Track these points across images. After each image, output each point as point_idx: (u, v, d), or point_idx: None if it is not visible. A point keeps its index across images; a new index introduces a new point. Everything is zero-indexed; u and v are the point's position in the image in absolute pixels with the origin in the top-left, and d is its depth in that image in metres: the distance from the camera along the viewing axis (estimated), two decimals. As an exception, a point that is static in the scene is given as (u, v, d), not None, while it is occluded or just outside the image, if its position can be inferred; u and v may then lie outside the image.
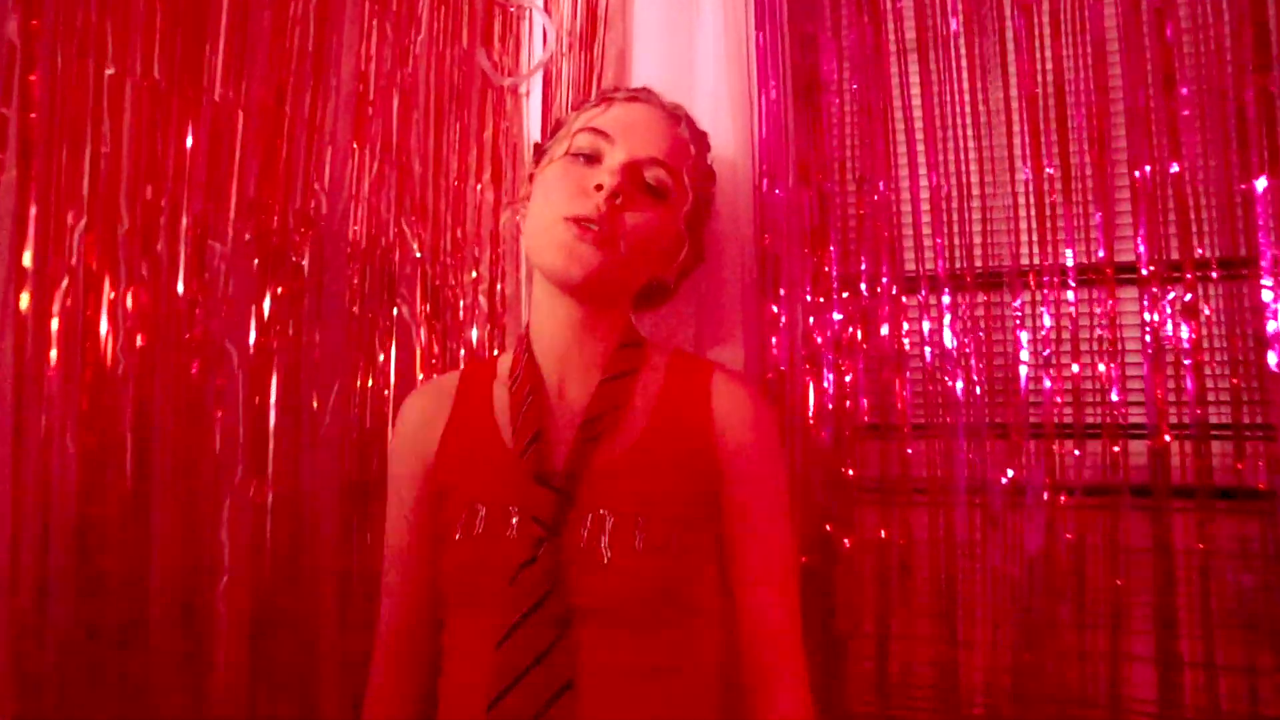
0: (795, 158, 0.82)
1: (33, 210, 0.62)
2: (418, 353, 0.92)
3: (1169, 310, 0.73)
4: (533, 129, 1.03)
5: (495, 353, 0.95)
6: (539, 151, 0.72)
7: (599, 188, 0.59)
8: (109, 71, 0.65)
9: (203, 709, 0.70)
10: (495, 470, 0.61)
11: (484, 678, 0.54)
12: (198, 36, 0.70)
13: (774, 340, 0.81)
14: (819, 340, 0.81)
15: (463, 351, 0.94)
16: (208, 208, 0.72)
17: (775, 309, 0.82)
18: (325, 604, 0.80)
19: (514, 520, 0.58)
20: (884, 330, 0.80)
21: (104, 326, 0.68)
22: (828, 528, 0.78)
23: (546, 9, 1.03)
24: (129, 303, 0.69)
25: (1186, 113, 0.73)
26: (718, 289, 0.78)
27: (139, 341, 0.70)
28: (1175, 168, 0.74)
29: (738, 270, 0.78)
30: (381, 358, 0.90)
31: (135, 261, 0.70)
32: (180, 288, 0.72)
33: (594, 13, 1.00)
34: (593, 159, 0.63)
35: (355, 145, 0.89)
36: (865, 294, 0.81)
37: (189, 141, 0.70)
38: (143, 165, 0.69)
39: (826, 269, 0.82)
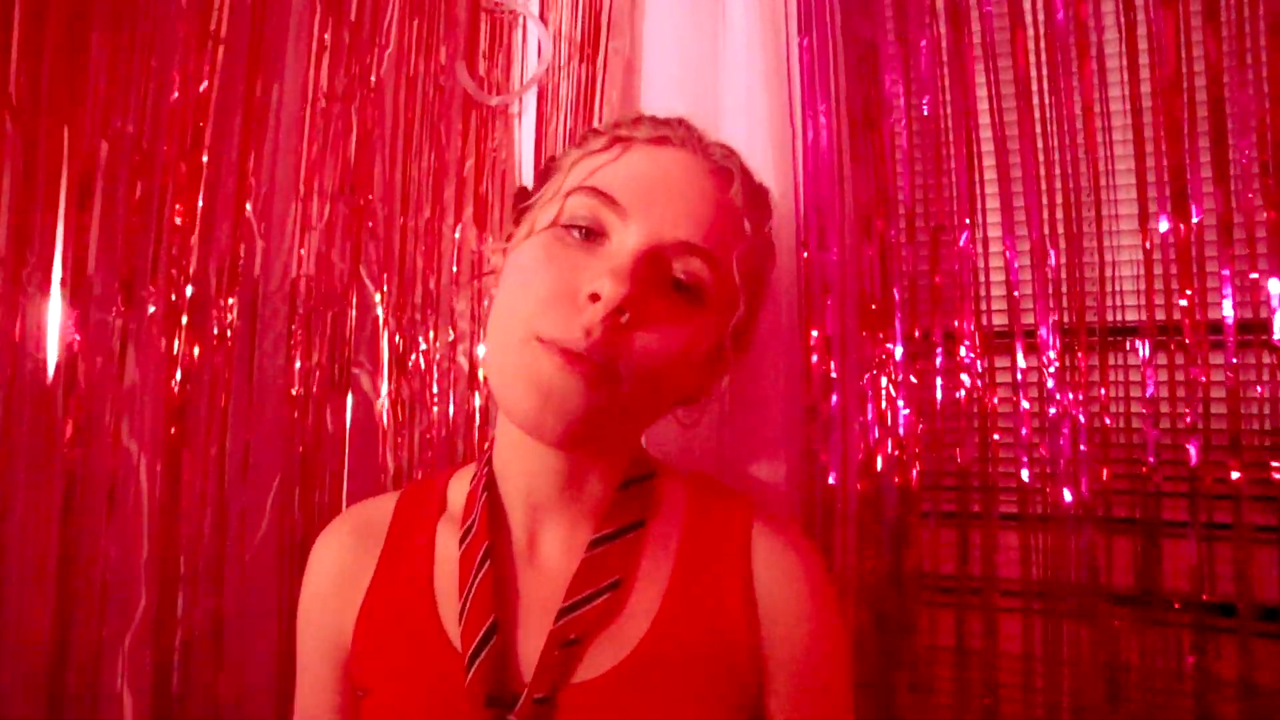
0: (852, 203, 0.63)
1: None
2: (381, 435, 0.75)
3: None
4: (525, 159, 0.85)
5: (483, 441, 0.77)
6: (521, 203, 0.50)
7: (594, 298, 0.39)
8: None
9: None
10: (431, 679, 0.43)
11: None
12: (75, 52, 0.54)
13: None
14: (873, 434, 0.62)
15: (430, 434, 0.77)
16: (90, 270, 0.56)
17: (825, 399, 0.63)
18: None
19: None
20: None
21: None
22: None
23: (542, 15, 0.85)
24: None
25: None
26: (751, 378, 0.59)
27: None
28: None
29: (778, 354, 0.60)
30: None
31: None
32: (51, 372, 0.56)
33: (597, 18, 0.82)
34: (594, 235, 0.43)
35: (302, 183, 0.72)
36: (941, 363, 0.62)
37: (62, 187, 0.54)
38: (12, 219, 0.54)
39: (890, 345, 0.63)
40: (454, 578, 0.45)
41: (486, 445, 0.51)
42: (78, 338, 0.55)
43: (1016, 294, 0.61)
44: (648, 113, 0.49)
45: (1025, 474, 0.60)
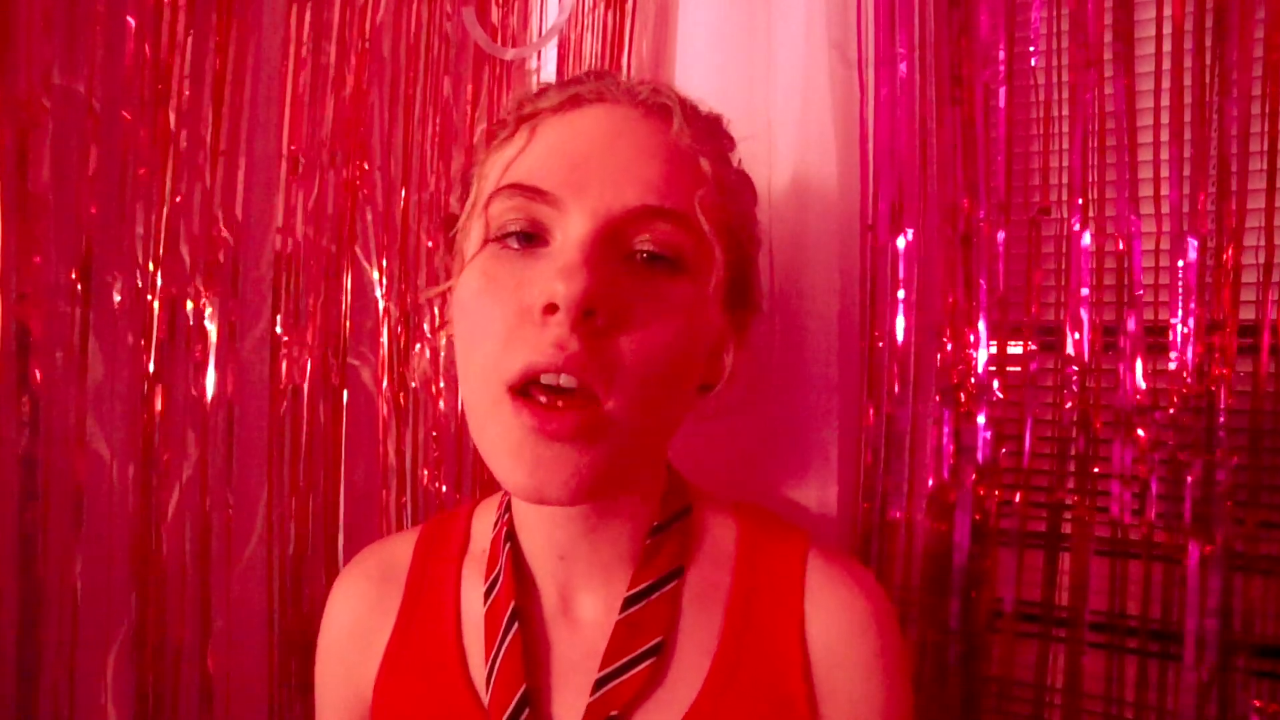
0: (936, 177, 0.51)
1: None
2: (382, 439, 0.68)
3: None
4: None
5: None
6: (451, 231, 0.41)
7: (550, 309, 0.32)
8: None
9: None
10: None
11: None
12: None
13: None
14: (947, 460, 0.52)
15: (434, 433, 0.69)
16: (39, 252, 0.49)
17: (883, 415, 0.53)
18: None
19: None
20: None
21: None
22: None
23: (561, -47, 0.73)
24: None
25: None
26: (797, 389, 0.50)
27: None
28: None
29: (833, 360, 0.50)
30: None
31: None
32: None
33: (627, -48, 0.70)
34: (533, 240, 0.35)
35: (286, 151, 0.63)
36: (1036, 375, 0.51)
37: None
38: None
39: (973, 352, 0.52)
40: (482, 631, 0.39)
41: (506, 494, 0.43)
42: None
43: (1140, 293, 0.49)
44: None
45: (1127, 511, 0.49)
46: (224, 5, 0.57)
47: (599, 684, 0.36)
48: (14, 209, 0.47)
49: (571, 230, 0.34)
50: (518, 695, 0.36)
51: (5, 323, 0.47)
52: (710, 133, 0.40)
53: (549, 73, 0.74)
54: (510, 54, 0.75)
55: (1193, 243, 0.47)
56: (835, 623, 0.38)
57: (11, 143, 0.46)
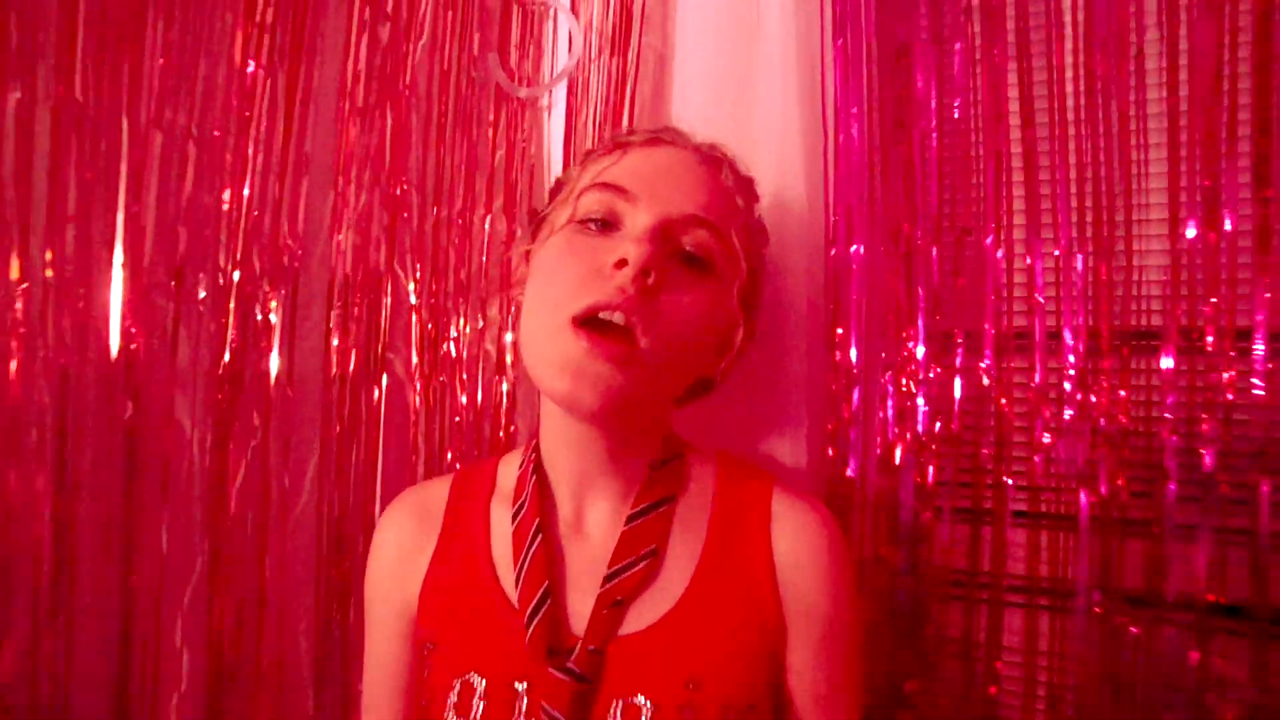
0: (881, 204, 0.64)
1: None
2: (413, 420, 0.78)
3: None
4: (554, 149, 0.87)
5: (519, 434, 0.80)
6: (536, 220, 0.55)
7: (621, 264, 0.44)
8: (14, 95, 0.52)
9: None
10: (494, 632, 0.47)
11: None
12: (131, 48, 0.57)
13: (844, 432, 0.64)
14: (892, 429, 0.64)
15: (457, 419, 0.79)
16: (148, 257, 0.59)
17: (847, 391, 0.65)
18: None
19: (521, 703, 0.45)
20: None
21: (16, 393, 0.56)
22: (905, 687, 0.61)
23: (574, 8, 0.86)
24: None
25: None
26: (776, 371, 0.61)
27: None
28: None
29: (803, 352, 0.61)
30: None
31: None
32: (114, 351, 0.59)
33: (629, 10, 0.83)
34: (609, 225, 0.48)
35: (340, 174, 0.75)
36: (960, 362, 0.63)
37: (122, 178, 0.57)
38: (60, 204, 0.57)
39: (912, 345, 0.64)
40: (509, 548, 0.49)
41: (531, 436, 0.54)
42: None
43: (1040, 298, 0.61)
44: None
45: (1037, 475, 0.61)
46: (294, 54, 0.68)
47: (608, 579, 0.46)
48: (131, 221, 0.57)
49: (640, 220, 0.46)
50: (540, 591, 0.46)
51: (123, 317, 0.57)
52: (745, 185, 0.54)
53: (559, 110, 0.86)
54: (524, 93, 0.87)
55: (1079, 258, 0.60)
56: (796, 540, 0.48)
57: (132, 169, 0.57)
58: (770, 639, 0.47)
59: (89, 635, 0.56)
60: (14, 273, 0.52)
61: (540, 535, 0.48)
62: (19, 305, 0.52)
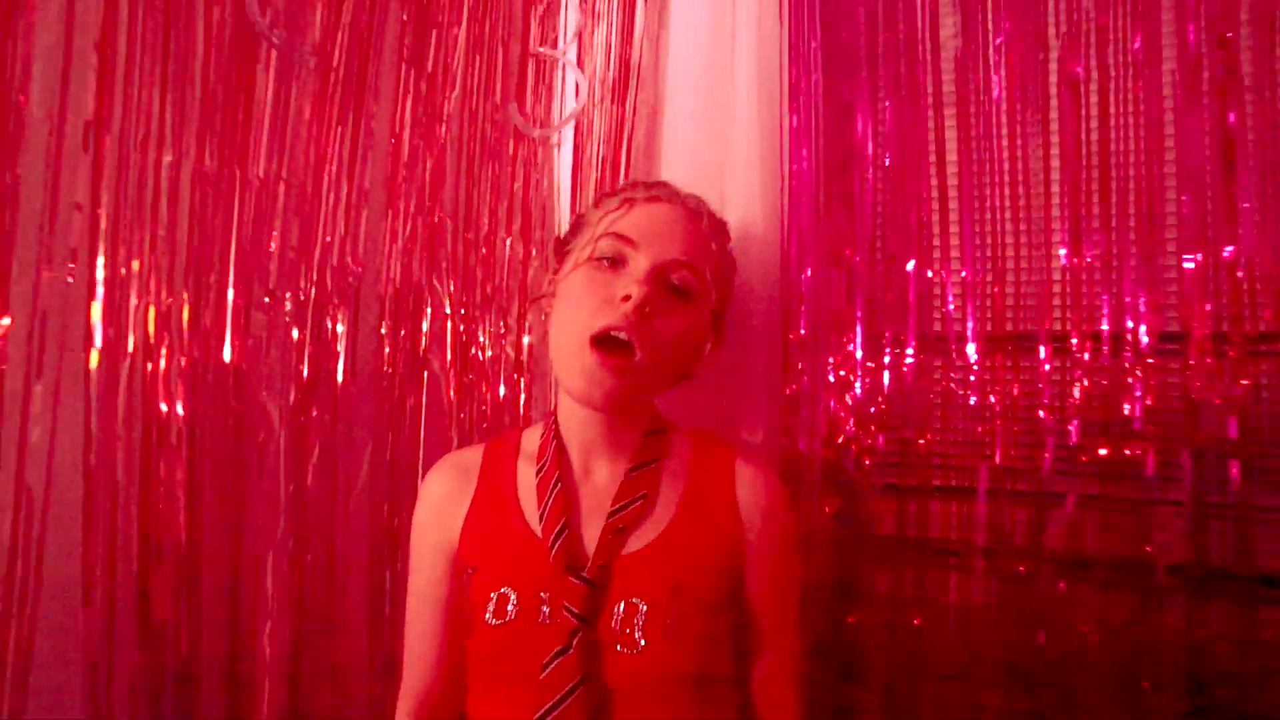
0: (826, 233, 0.81)
1: (99, 291, 0.66)
2: (447, 411, 0.95)
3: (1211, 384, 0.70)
4: (563, 181, 1.03)
5: (529, 414, 0.97)
6: (560, 249, 0.71)
7: (626, 298, 0.60)
8: (167, 159, 0.69)
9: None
10: (523, 556, 0.63)
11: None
12: (244, 117, 0.73)
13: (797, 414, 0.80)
14: (841, 414, 0.81)
15: (484, 408, 0.96)
16: (252, 280, 0.76)
17: (800, 383, 0.81)
18: (358, 651, 0.84)
19: (545, 609, 0.60)
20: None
21: (161, 393, 0.73)
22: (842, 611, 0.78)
23: (579, 62, 1.02)
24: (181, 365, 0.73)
25: (1246, 205, 0.69)
26: (743, 368, 0.78)
27: (181, 408, 0.74)
28: (1229, 250, 0.71)
29: (763, 350, 0.78)
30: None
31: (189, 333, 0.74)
32: (227, 356, 0.76)
33: (626, 67, 0.99)
34: (617, 263, 0.64)
35: (389, 206, 0.91)
36: (889, 360, 0.80)
37: (234, 220, 0.73)
38: (194, 244, 0.73)
39: (850, 348, 0.81)
40: (533, 495, 0.65)
41: (551, 411, 0.70)
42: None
43: (952, 308, 0.78)
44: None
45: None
46: (357, 109, 0.85)
47: (612, 514, 0.63)
48: (244, 250, 0.74)
49: (641, 263, 0.62)
50: (560, 523, 0.62)
51: (234, 326, 0.73)
52: (719, 229, 0.71)
53: (567, 148, 1.03)
54: (538, 134, 1.04)
55: (981, 276, 0.76)
56: (753, 490, 0.64)
57: (245, 215, 0.73)
58: (733, 559, 0.63)
59: (213, 582, 0.73)
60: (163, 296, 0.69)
61: (559, 484, 0.64)
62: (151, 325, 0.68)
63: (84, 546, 0.66)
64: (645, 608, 0.59)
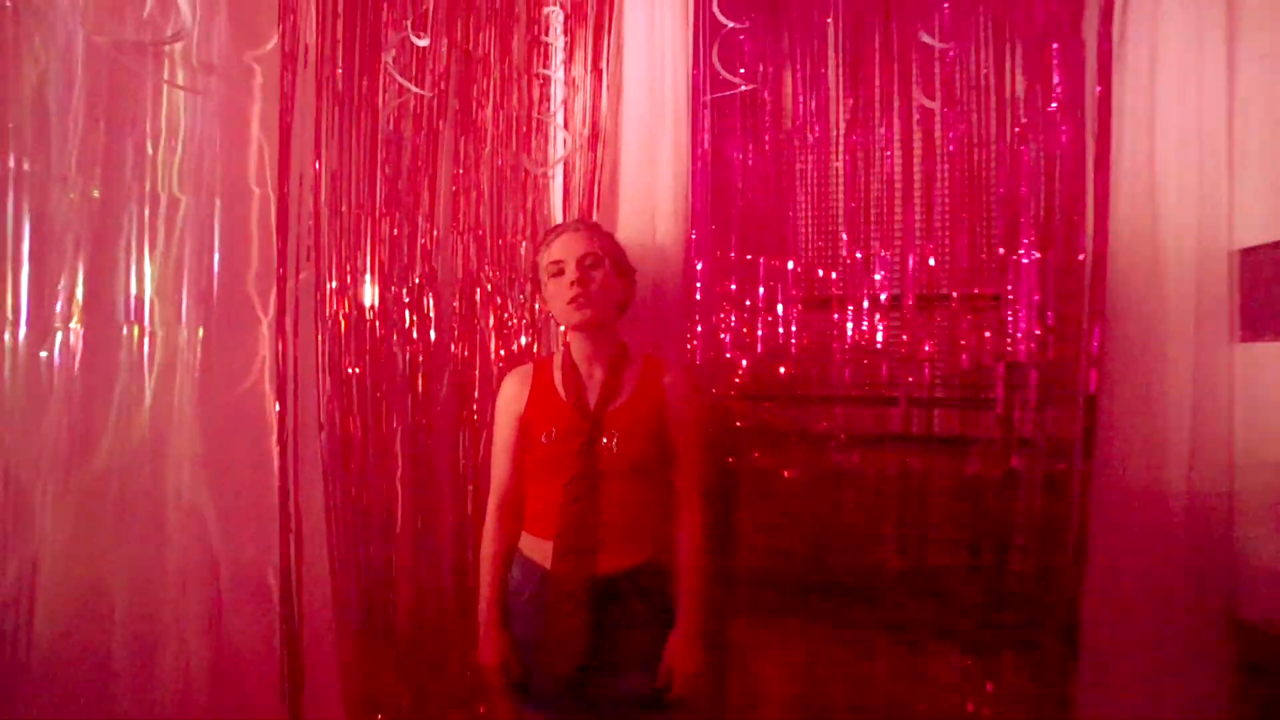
0: (712, 237, 1.39)
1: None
2: (493, 357, 1.55)
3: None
4: (555, 205, 1.61)
5: (542, 350, 1.57)
6: (534, 270, 1.29)
7: (572, 284, 1.19)
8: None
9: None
10: (559, 411, 1.23)
11: (554, 506, 1.18)
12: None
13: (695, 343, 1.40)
14: (726, 340, 1.40)
15: (515, 346, 1.57)
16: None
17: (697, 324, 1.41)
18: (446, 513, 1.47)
19: (569, 439, 1.20)
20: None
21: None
22: (728, 459, 1.40)
23: (566, 124, 1.59)
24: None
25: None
26: (664, 315, 1.37)
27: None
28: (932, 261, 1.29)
29: (676, 307, 1.37)
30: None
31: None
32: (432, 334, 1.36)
33: (596, 128, 1.55)
34: (561, 272, 1.21)
35: (451, 227, 1.49)
36: (747, 312, 1.39)
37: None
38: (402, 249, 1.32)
39: (728, 307, 1.40)
40: (562, 385, 1.25)
41: (566, 344, 1.29)
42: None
43: (839, 293, 1.36)
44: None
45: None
46: (431, 160, 1.43)
47: (602, 391, 1.21)
48: (375, 257, 1.34)
49: (570, 267, 1.21)
50: (576, 396, 1.20)
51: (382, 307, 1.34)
52: (603, 231, 1.28)
53: (558, 181, 1.60)
54: (538, 171, 1.61)
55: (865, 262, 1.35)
56: (674, 381, 1.23)
57: (382, 232, 1.33)
58: (660, 414, 1.20)
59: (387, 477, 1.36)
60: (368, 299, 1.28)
61: (576, 377, 1.23)
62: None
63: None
64: (617, 435, 1.19)
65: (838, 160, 1.36)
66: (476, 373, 1.52)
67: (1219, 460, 1.15)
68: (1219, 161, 1.16)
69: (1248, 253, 1.15)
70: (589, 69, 1.56)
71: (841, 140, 1.35)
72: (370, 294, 1.37)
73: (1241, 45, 1.15)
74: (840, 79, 1.36)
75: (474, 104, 1.53)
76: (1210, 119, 1.16)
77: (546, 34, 1.60)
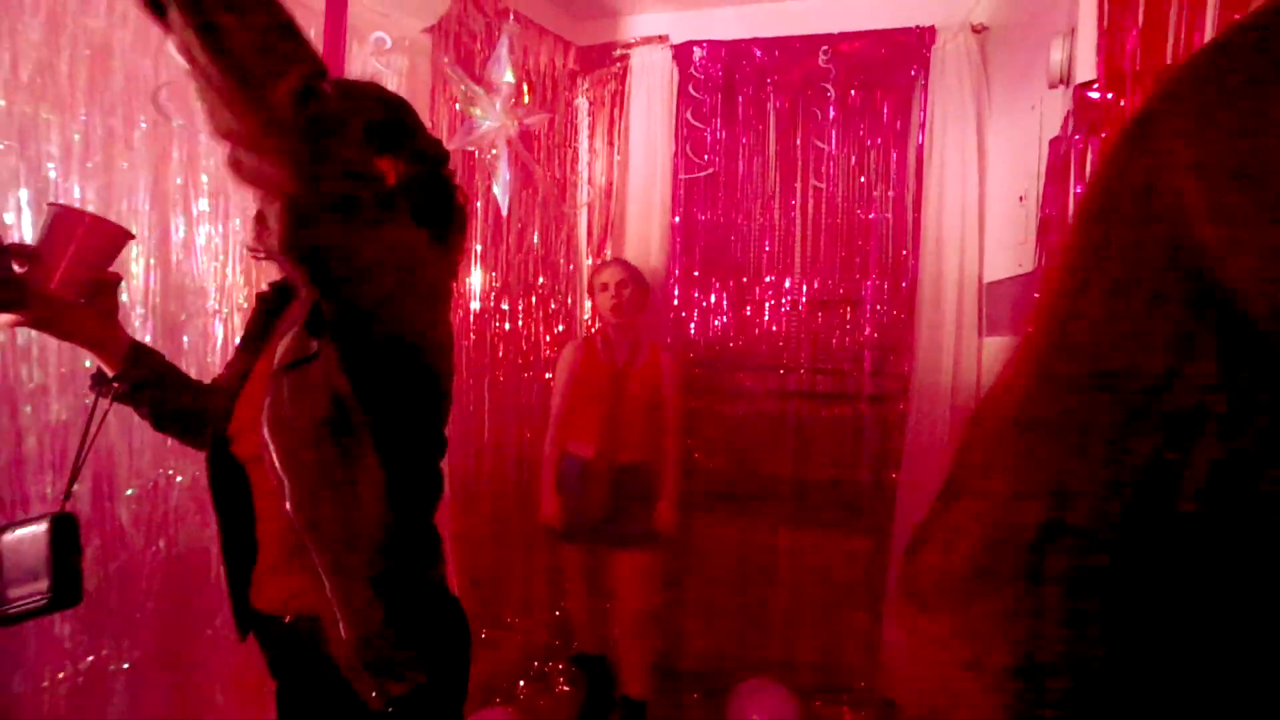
0: (688, 260, 2.20)
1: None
2: (540, 329, 2.37)
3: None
4: (581, 235, 2.42)
5: (576, 332, 2.40)
6: (590, 282, 2.11)
7: (613, 298, 2.00)
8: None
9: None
10: (600, 369, 2.06)
11: (594, 424, 2.02)
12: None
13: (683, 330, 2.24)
14: (692, 329, 2.23)
15: (559, 328, 2.39)
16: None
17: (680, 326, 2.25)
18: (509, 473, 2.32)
19: (605, 383, 2.03)
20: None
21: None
22: (691, 403, 2.25)
23: (590, 181, 2.38)
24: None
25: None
26: (661, 315, 2.20)
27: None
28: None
29: (666, 310, 2.19)
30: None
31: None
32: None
33: (610, 185, 2.35)
34: (604, 288, 2.02)
35: (517, 253, 2.29)
36: (705, 311, 2.21)
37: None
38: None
39: (695, 314, 2.22)
40: (603, 353, 2.08)
41: (599, 328, 2.11)
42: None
43: (770, 278, 2.19)
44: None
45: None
46: (505, 213, 2.23)
47: (624, 363, 2.05)
48: (487, 262, 2.16)
49: (611, 287, 2.03)
50: (610, 361, 2.05)
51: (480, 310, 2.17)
52: (632, 268, 2.10)
53: (583, 216, 2.40)
54: (569, 210, 2.41)
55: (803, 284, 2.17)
56: (666, 358, 2.04)
57: (468, 263, 2.14)
58: (657, 379, 2.04)
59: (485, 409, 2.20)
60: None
61: (612, 349, 2.06)
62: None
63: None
64: (636, 384, 2.02)
65: (764, 218, 2.17)
66: (530, 344, 2.36)
67: (968, 405, 2.01)
68: (974, 228, 1.98)
69: (991, 284, 1.98)
70: (606, 143, 2.34)
71: (767, 205, 2.15)
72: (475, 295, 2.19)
73: (990, 160, 1.96)
74: (769, 166, 2.15)
75: (528, 167, 2.32)
76: (970, 201, 1.97)
77: (577, 118, 2.37)
